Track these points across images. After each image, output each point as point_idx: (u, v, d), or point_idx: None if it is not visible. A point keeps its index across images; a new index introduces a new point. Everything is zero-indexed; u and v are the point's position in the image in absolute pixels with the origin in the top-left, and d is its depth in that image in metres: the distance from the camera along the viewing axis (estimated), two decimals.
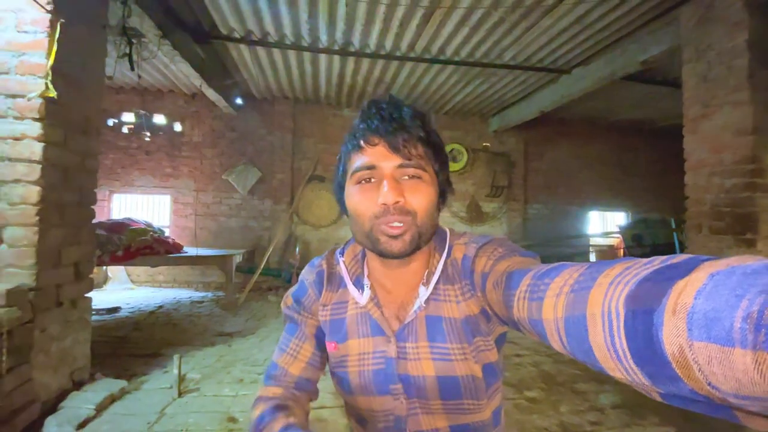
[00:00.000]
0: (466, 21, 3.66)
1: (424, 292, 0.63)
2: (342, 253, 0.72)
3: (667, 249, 6.61)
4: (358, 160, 0.59)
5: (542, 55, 4.33)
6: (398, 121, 0.59)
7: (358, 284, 0.68)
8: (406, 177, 0.58)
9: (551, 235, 7.02)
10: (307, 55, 4.55)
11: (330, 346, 0.68)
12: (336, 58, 4.57)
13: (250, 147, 6.25)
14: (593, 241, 7.41)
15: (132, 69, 3.09)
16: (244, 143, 6.24)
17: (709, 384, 0.23)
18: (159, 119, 5.75)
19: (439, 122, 6.37)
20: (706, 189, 2.97)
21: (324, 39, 4.11)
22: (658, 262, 0.30)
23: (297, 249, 5.90)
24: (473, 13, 3.51)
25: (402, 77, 5.12)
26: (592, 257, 7.28)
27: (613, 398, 2.57)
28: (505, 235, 6.82)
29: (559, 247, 7.06)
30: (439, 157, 0.62)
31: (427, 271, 0.65)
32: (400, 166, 0.57)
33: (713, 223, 2.91)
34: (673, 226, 6.50)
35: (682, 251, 6.01)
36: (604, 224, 7.77)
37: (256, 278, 5.40)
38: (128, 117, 5.21)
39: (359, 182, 0.60)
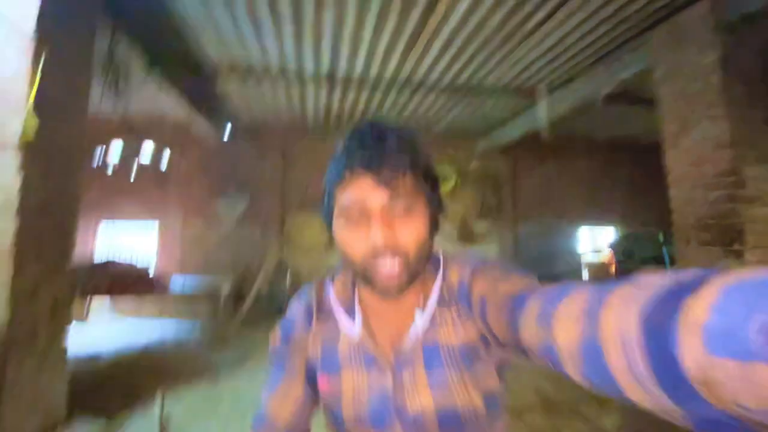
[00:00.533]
0: (449, 46, 3.77)
1: (420, 319, 0.60)
2: (332, 282, 0.69)
3: (657, 263, 6.65)
4: (344, 196, 0.56)
5: (524, 78, 4.46)
6: (383, 151, 0.55)
7: (350, 313, 0.64)
8: (396, 210, 0.55)
9: (543, 253, 7.03)
10: (294, 84, 4.62)
11: (322, 381, 0.63)
12: (323, 86, 4.65)
13: (238, 175, 6.24)
14: (585, 258, 7.44)
15: (118, 99, 3.09)
16: (233, 171, 6.24)
17: (737, 404, 0.21)
18: (147, 148, 5.74)
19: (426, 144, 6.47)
20: (690, 202, 3.02)
21: (310, 67, 4.18)
22: (668, 279, 0.29)
23: (288, 277, 5.80)
24: (456, 38, 3.62)
25: (388, 103, 5.21)
26: (585, 274, 7.29)
27: (618, 420, 2.50)
28: (497, 254, 6.82)
29: (551, 266, 7.06)
30: (429, 180, 0.59)
31: (422, 295, 0.61)
32: (390, 200, 0.54)
33: (700, 235, 2.93)
34: (661, 239, 6.57)
35: (671, 265, 6.05)
36: (593, 240, 7.82)
37: (246, 307, 5.26)
38: (116, 146, 5.18)
39: (346, 216, 0.56)
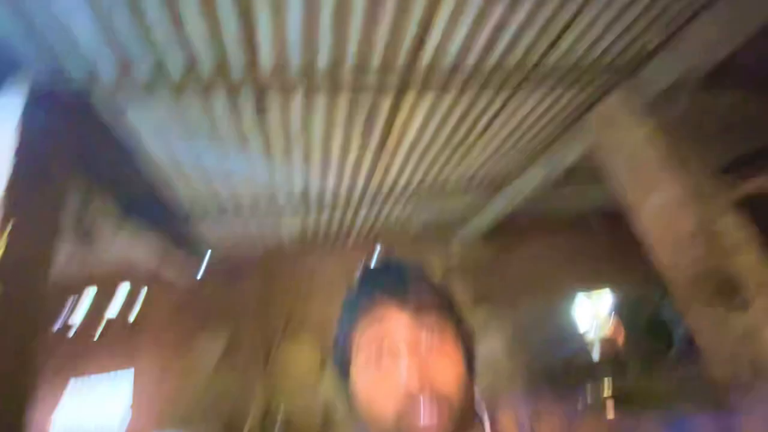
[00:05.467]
0: (412, 153, 4.00)
1: None
2: None
3: (661, 322, 6.44)
4: (366, 333, 0.50)
5: (485, 171, 4.78)
6: (405, 281, 0.52)
7: None
8: (428, 349, 0.48)
9: (547, 338, 6.69)
10: (269, 214, 4.71)
11: None
12: (298, 211, 4.77)
13: (216, 312, 5.87)
14: (589, 335, 7.13)
15: (88, 252, 2.95)
16: (210, 309, 5.88)
17: None
18: (118, 297, 5.43)
19: (403, 250, 6.53)
20: (674, 265, 3.02)
21: (282, 196, 4.33)
22: None
23: (277, 427, 5.08)
24: (417, 145, 3.87)
25: (360, 216, 5.36)
26: (595, 355, 6.89)
27: None
28: (502, 350, 6.42)
29: (558, 350, 6.67)
30: (455, 314, 0.54)
31: None
32: (420, 332, 0.48)
33: (699, 296, 2.86)
34: (656, 298, 6.49)
35: (677, 324, 5.88)
36: (593, 310, 7.61)
37: None
38: (82, 301, 4.86)
39: (370, 361, 0.49)
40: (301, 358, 5.71)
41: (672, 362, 5.94)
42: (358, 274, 0.56)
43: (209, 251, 5.61)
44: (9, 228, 1.92)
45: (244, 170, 3.76)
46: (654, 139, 3.07)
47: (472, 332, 0.55)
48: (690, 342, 5.62)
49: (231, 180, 3.83)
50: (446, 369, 0.47)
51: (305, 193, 4.37)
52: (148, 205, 3.94)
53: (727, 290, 2.70)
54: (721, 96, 4.01)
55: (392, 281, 0.51)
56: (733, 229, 2.81)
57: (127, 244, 3.92)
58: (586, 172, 5.27)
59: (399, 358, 0.46)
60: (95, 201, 3.01)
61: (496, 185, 5.16)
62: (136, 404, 5.30)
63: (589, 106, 3.67)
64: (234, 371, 5.58)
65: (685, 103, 3.53)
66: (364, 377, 0.49)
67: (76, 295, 4.43)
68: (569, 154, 4.22)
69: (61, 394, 5.23)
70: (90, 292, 4.56)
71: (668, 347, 6.28)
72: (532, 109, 3.63)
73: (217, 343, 5.61)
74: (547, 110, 3.71)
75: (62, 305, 4.36)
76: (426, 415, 0.44)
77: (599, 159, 3.65)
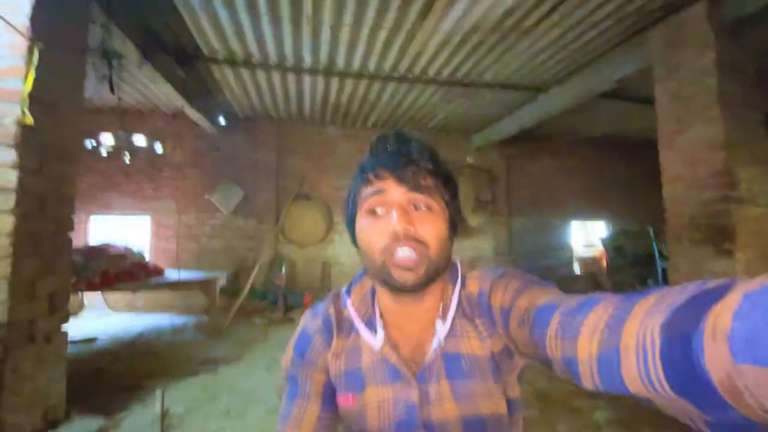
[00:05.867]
0: (447, 43, 3.75)
1: (441, 328, 0.60)
2: (348, 293, 0.68)
3: (647, 259, 6.78)
4: (368, 194, 0.59)
5: (521, 74, 4.46)
6: (406, 155, 0.59)
7: (371, 326, 0.64)
8: (416, 207, 0.58)
9: (536, 247, 7.11)
10: (291, 76, 4.57)
11: (346, 401, 0.63)
12: (320, 78, 4.60)
13: (233, 166, 6.17)
14: (577, 253, 7.54)
15: (112, 92, 3.03)
16: (227, 162, 6.16)
17: (763, 409, 0.22)
18: (139, 140, 5.62)
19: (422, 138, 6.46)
20: (683, 202, 3.07)
21: (308, 59, 4.13)
22: (692, 288, 0.29)
23: (283, 270, 5.79)
24: (454, 35, 3.60)
25: (386, 96, 5.18)
26: (576, 269, 7.40)
27: (609, 414, 2.57)
28: (491, 248, 6.89)
29: (544, 259, 7.16)
30: (448, 188, 0.62)
31: (442, 304, 0.62)
32: (410, 194, 0.57)
33: (693, 234, 2.99)
34: (652, 236, 6.69)
35: (662, 260, 6.17)
36: (585, 234, 7.93)
37: (241, 301, 5.26)
38: (107, 138, 5.07)
39: (369, 213, 0.59)
40: (309, 218, 6.21)
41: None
42: (373, 141, 0.64)
43: (229, 105, 5.62)
44: (36, 55, 1.96)
45: (272, 32, 3.54)
46: (712, 72, 2.79)
47: (460, 210, 0.65)
48: (664, 279, 5.99)
49: (259, 37, 3.62)
50: (428, 225, 0.56)
51: (330, 63, 4.17)
52: (170, 49, 3.83)
53: (720, 236, 2.79)
54: None
55: (395, 157, 0.59)
56: (751, 181, 2.76)
57: (150, 79, 3.91)
58: (629, 93, 4.92)
59: (391, 212, 0.56)
60: (117, 39, 2.93)
61: (532, 90, 4.84)
62: (154, 246, 5.95)
63: (654, 21, 3.23)
64: (247, 221, 6.15)
65: (763, 37, 3.08)
66: (363, 223, 0.59)
67: (102, 131, 4.58)
68: (621, 69, 3.85)
69: (87, 221, 5.86)
70: (115, 129, 4.71)
71: (644, 280, 6.71)
72: (591, 13, 3.20)
73: (234, 195, 6.03)
74: (606, 17, 3.27)
75: (89, 138, 4.55)
76: (404, 252, 0.55)
77: (651, 81, 3.35)
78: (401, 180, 0.57)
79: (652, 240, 6.63)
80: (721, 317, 0.24)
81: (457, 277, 0.64)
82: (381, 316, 0.64)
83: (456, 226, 0.63)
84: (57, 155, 2.23)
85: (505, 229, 7.04)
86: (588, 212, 7.55)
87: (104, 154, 5.10)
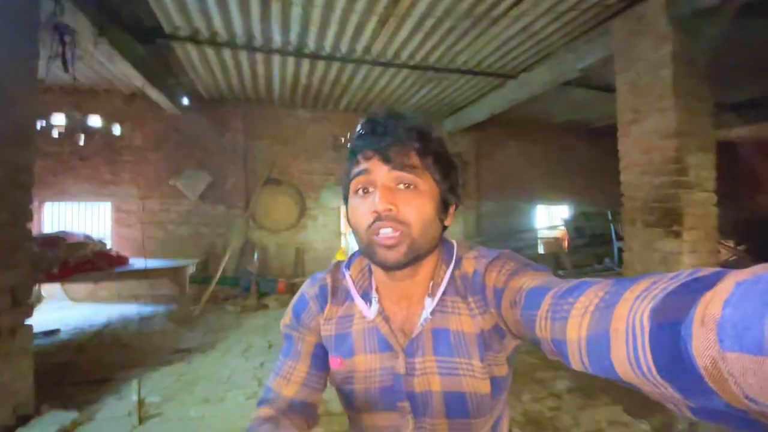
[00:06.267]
0: (419, 27, 3.74)
1: (429, 304, 0.63)
2: (348, 267, 0.71)
3: (605, 239, 7.23)
4: (355, 170, 0.61)
5: (491, 61, 4.54)
6: (392, 134, 0.59)
7: (366, 297, 0.67)
8: (402, 186, 0.59)
9: (503, 229, 7.39)
10: (259, 56, 4.41)
11: (335, 362, 0.67)
12: (290, 59, 4.48)
13: (198, 150, 5.93)
14: (541, 234, 7.91)
15: (66, 71, 2.82)
16: (192, 146, 5.91)
17: (747, 397, 0.22)
18: (94, 121, 5.28)
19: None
20: (638, 187, 3.29)
21: (278, 40, 4.00)
22: (684, 275, 0.29)
23: (255, 256, 5.72)
24: (426, 20, 3.60)
25: (358, 80, 5.13)
26: (540, 249, 7.77)
27: (569, 383, 2.79)
28: (461, 231, 7.08)
29: (510, 241, 7.46)
30: (440, 166, 0.62)
31: (432, 282, 0.64)
32: (394, 172, 0.58)
33: (645, 217, 3.22)
34: (609, 217, 7.12)
35: (618, 240, 6.60)
36: (549, 218, 8.31)
37: (212, 288, 5.17)
38: (59, 119, 4.73)
39: (357, 192, 0.61)
40: (281, 203, 6.12)
41: (599, 269, 6.86)
42: (361, 122, 0.64)
43: (193, 86, 5.36)
44: None
45: (240, 11, 3.39)
46: (668, 64, 2.97)
47: (456, 189, 0.65)
48: (619, 258, 6.42)
49: (227, 11, 3.45)
50: (411, 205, 0.57)
51: (301, 41, 4.05)
52: (129, 18, 3.58)
53: (669, 218, 3.03)
54: (762, 31, 3.72)
55: (381, 137, 0.59)
56: (699, 167, 3.00)
57: (107, 56, 3.66)
58: (592, 82, 5.13)
59: (376, 191, 0.58)
60: (71, 13, 2.71)
61: (501, 76, 4.94)
62: (116, 234, 5.67)
63: (617, 12, 3.37)
64: (216, 207, 5.98)
65: (723, 28, 3.29)
66: (352, 202, 0.61)
67: (55, 111, 4.24)
68: (584, 58, 4.01)
69: (42, 208, 5.48)
70: (69, 109, 4.39)
71: (601, 258, 7.17)
72: (558, 1, 3.30)
73: (201, 179, 5.82)
74: (573, 6, 3.38)
75: (44, 114, 4.22)
76: (387, 233, 0.57)
77: (613, 68, 3.50)
78: (385, 159, 0.58)
79: (610, 222, 7.06)
80: (712, 304, 0.24)
81: (452, 258, 0.66)
82: (376, 289, 0.67)
83: (448, 205, 0.64)
84: (9, 140, 2.09)
85: (474, 213, 7.26)
86: (552, 196, 7.90)
87: (56, 135, 4.77)
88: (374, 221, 0.57)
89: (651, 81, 3.13)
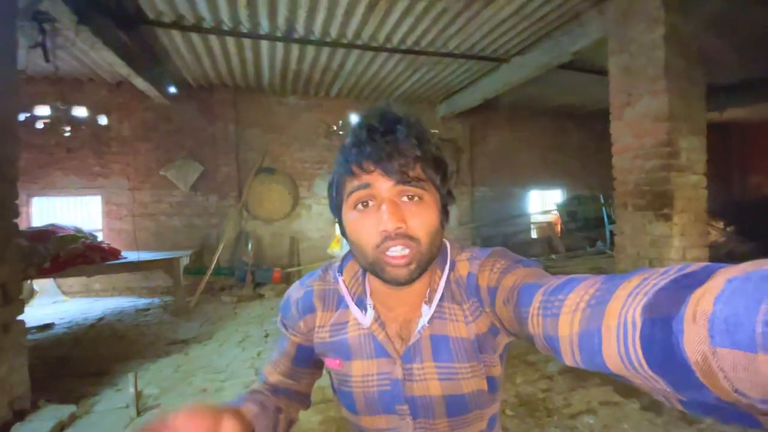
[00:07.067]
0: (411, 10, 3.67)
1: (427, 312, 0.62)
2: (341, 271, 0.69)
3: (598, 222, 7.29)
4: (354, 187, 0.57)
5: (484, 44, 4.48)
6: (392, 144, 0.55)
7: (360, 304, 0.66)
8: (406, 198, 0.56)
9: (497, 215, 7.42)
10: (247, 42, 4.32)
11: (334, 363, 0.67)
12: (279, 44, 4.38)
13: (188, 139, 5.84)
14: (534, 219, 7.95)
15: (47, 60, 2.74)
16: (182, 135, 5.82)
17: (736, 391, 0.22)
18: (80, 112, 5.16)
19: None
20: (630, 170, 3.30)
21: (265, 25, 3.91)
22: (674, 271, 0.30)
23: (249, 246, 5.70)
24: (418, 2, 3.53)
25: (349, 65, 5.04)
26: (533, 233, 7.83)
27: (560, 365, 2.84)
28: (455, 217, 7.10)
29: (504, 227, 7.50)
30: (439, 171, 0.60)
31: (429, 289, 0.64)
32: (399, 187, 0.55)
33: (636, 201, 3.25)
34: (602, 201, 7.18)
35: (610, 224, 6.66)
36: (543, 202, 8.35)
37: (207, 279, 5.16)
38: (42, 110, 4.61)
39: (356, 206, 0.57)
40: (274, 193, 6.07)
41: (592, 253, 6.94)
42: (354, 124, 0.60)
43: (180, 74, 5.24)
44: None
45: None
46: (660, 46, 2.95)
47: (451, 190, 0.63)
48: (611, 241, 6.50)
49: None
50: (419, 219, 0.55)
51: (290, 26, 3.96)
52: (111, 4, 3.46)
53: (660, 201, 3.05)
54: (759, 13, 3.70)
55: (380, 148, 0.55)
56: (690, 150, 3.01)
57: (89, 44, 3.55)
58: (585, 65, 5.09)
59: (380, 208, 0.55)
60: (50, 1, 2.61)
61: (494, 60, 4.88)
62: (107, 227, 5.60)
63: None
64: (208, 198, 5.92)
65: (716, 8, 3.26)
66: (352, 216, 0.57)
67: (38, 103, 4.12)
68: (578, 41, 3.97)
69: (29, 202, 5.38)
70: (52, 101, 4.26)
71: (594, 242, 7.25)
72: None
73: (192, 170, 5.75)
74: None
75: (26, 106, 4.10)
76: (398, 251, 0.54)
77: (606, 52, 3.48)
78: (388, 173, 0.55)
79: (602, 205, 7.12)
80: (703, 301, 0.24)
81: (446, 262, 0.65)
82: (371, 295, 0.66)
83: (447, 210, 0.63)
84: None
85: (468, 198, 7.26)
86: (545, 181, 7.92)
87: (40, 126, 4.65)
88: (383, 241, 0.55)
89: (644, 63, 3.12)
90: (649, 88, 3.08)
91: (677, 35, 2.97)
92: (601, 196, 7.14)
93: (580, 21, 3.83)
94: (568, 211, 7.55)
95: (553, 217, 7.90)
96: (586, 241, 7.32)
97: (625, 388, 2.42)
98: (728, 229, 7.24)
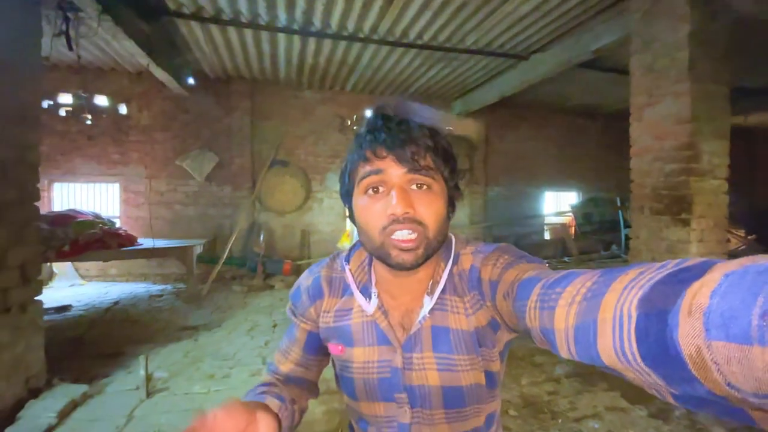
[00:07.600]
0: (429, 4, 3.63)
1: (428, 303, 0.63)
2: (347, 260, 0.71)
3: (613, 225, 7.15)
4: (366, 172, 0.59)
5: (503, 41, 4.41)
6: (406, 132, 0.58)
7: (365, 292, 0.68)
8: (415, 187, 0.58)
9: (510, 215, 7.34)
10: (265, 34, 4.34)
11: (336, 349, 0.68)
12: (296, 38, 4.40)
13: (205, 130, 5.93)
14: (548, 220, 7.84)
15: (70, 49, 2.81)
16: (199, 126, 5.91)
17: (729, 384, 0.22)
18: (101, 100, 5.31)
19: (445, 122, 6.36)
20: (648, 173, 3.22)
21: (283, 18, 3.92)
22: (671, 265, 0.30)
23: (261, 237, 5.77)
24: None
25: (365, 59, 5.03)
26: (546, 235, 7.72)
27: (567, 368, 2.81)
28: (467, 216, 7.05)
29: (517, 227, 7.42)
30: (448, 164, 0.62)
31: (431, 281, 0.65)
32: (410, 174, 0.57)
33: (654, 205, 3.16)
34: (618, 204, 7.02)
35: (626, 227, 6.52)
36: (557, 204, 8.21)
37: (219, 268, 5.25)
38: (65, 98, 4.75)
39: (367, 191, 0.59)
40: (287, 185, 6.12)
41: (606, 256, 6.81)
42: (370, 113, 0.61)
43: (198, 65, 5.31)
44: None
45: None
46: (685, 45, 2.85)
47: (458, 185, 0.65)
48: (626, 245, 6.37)
49: None
50: (428, 206, 0.57)
51: (307, 19, 3.97)
52: (131, 2, 3.52)
53: (678, 206, 2.97)
54: None
55: (394, 135, 0.57)
56: (712, 154, 2.92)
57: (111, 34, 3.61)
58: (606, 64, 4.96)
59: (389, 192, 0.56)
60: None
61: (513, 57, 4.80)
62: (124, 214, 5.74)
63: None
64: (222, 188, 6.01)
65: (744, 8, 3.13)
66: (362, 201, 0.59)
67: (60, 91, 4.24)
68: (600, 38, 3.87)
69: (51, 187, 5.55)
70: (75, 89, 4.37)
71: (608, 245, 7.11)
72: None
73: (207, 160, 5.84)
74: None
75: (50, 93, 4.22)
76: (404, 235, 0.56)
77: (628, 50, 3.38)
78: (400, 160, 0.57)
79: (618, 208, 6.96)
80: (700, 294, 0.24)
81: (450, 255, 0.66)
82: (376, 284, 0.67)
83: (454, 203, 0.64)
84: (15, 119, 2.10)
85: (481, 198, 7.20)
86: (561, 182, 7.78)
87: (63, 114, 4.79)
88: (390, 223, 0.56)
89: (667, 64, 3.02)
90: (672, 88, 2.99)
91: (703, 35, 2.86)
92: (618, 199, 6.99)
93: (603, 18, 3.73)
94: (583, 213, 7.42)
95: (568, 218, 7.77)
96: (600, 245, 7.18)
97: (633, 393, 2.37)
98: (749, 237, 7.00)
